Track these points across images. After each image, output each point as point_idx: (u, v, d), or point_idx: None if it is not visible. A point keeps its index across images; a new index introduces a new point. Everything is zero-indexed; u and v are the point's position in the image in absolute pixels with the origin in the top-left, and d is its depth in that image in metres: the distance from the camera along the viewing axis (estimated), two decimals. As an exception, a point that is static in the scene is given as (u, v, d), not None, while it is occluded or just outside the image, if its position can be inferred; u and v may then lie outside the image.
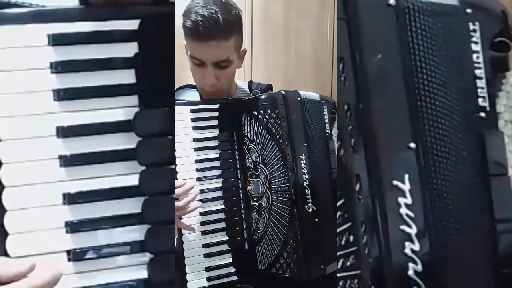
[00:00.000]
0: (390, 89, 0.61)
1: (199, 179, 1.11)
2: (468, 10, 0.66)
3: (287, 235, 1.03)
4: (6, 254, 0.59)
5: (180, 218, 1.06)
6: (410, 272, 0.57)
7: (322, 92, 1.21)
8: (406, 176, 0.59)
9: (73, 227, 0.61)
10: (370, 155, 0.61)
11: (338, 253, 0.67)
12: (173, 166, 0.65)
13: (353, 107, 0.62)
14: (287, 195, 1.04)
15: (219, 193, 1.12)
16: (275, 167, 1.06)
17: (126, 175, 0.63)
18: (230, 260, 1.10)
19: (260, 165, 1.08)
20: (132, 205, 0.63)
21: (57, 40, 0.63)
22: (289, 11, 2.48)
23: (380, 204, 0.59)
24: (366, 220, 0.61)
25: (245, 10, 2.39)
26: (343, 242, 0.66)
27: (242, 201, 1.12)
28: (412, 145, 0.60)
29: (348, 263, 0.66)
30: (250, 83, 1.39)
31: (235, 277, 1.09)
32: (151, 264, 0.63)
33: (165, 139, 0.64)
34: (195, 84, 1.28)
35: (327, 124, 1.17)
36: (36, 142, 0.62)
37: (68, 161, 0.62)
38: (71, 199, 0.62)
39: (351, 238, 0.65)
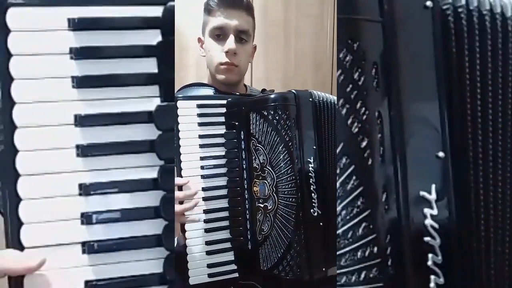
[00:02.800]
0: (424, 97, 0.60)
1: (203, 177, 1.09)
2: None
3: (292, 239, 1.01)
4: (20, 243, 0.57)
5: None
6: (432, 285, 0.57)
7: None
8: (433, 187, 0.58)
9: (88, 218, 0.59)
10: (399, 165, 0.60)
11: (360, 265, 0.65)
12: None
13: (384, 115, 0.61)
14: (293, 199, 1.02)
15: (223, 191, 1.10)
16: (283, 171, 1.03)
17: (144, 168, 0.62)
18: (232, 258, 1.09)
19: (268, 167, 1.05)
20: (149, 199, 0.61)
21: (77, 25, 0.60)
22: (289, 11, 2.47)
23: (406, 215, 0.59)
24: (391, 231, 0.60)
25: (245, 10, 2.39)
26: (366, 254, 0.64)
27: (247, 201, 1.10)
28: (441, 154, 0.59)
29: (371, 275, 0.63)
30: (263, 91, 1.39)
31: (236, 274, 1.08)
32: (167, 260, 0.61)
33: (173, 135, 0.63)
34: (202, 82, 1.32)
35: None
36: (53, 130, 0.60)
37: (85, 150, 0.60)
38: (87, 190, 0.60)
39: (375, 249, 0.63)
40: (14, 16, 0.59)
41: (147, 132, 0.61)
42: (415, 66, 0.60)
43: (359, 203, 0.63)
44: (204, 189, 1.09)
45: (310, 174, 1.03)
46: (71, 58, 0.60)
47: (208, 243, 1.07)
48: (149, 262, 0.61)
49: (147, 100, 0.62)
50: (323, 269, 1.04)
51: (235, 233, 1.09)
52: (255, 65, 2.35)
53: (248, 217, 1.09)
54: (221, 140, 1.11)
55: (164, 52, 0.62)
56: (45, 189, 0.59)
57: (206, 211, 1.08)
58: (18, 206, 0.57)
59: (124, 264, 0.60)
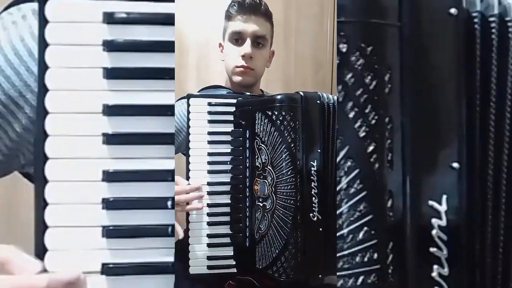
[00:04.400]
0: (440, 104, 0.60)
1: (210, 172, 1.14)
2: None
3: (287, 240, 1.04)
4: (44, 223, 0.60)
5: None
6: None
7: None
8: (444, 197, 0.58)
9: (109, 204, 0.62)
10: (408, 172, 0.59)
11: (358, 270, 0.65)
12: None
13: (395, 121, 0.60)
14: (292, 201, 1.04)
15: (227, 188, 1.15)
16: (283, 171, 1.06)
17: (164, 159, 0.64)
18: (231, 253, 1.12)
19: (268, 167, 1.08)
20: (165, 189, 0.64)
21: (111, 18, 0.63)
22: (289, 11, 2.50)
23: (412, 224, 0.59)
24: (394, 239, 0.59)
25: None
26: (365, 259, 0.64)
27: (247, 199, 1.14)
28: (456, 165, 0.58)
29: (369, 281, 0.63)
30: None
31: (234, 270, 1.12)
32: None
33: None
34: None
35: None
36: (81, 118, 0.62)
37: (110, 139, 0.63)
38: (110, 176, 0.62)
39: (375, 255, 0.63)
40: (53, 7, 0.61)
41: (167, 124, 0.64)
42: (434, 75, 0.60)
43: (361, 207, 0.63)
44: (209, 184, 1.14)
45: (312, 177, 1.05)
46: (104, 50, 0.63)
47: (209, 236, 1.12)
48: (162, 251, 0.63)
49: (169, 93, 0.65)
50: (320, 276, 1.06)
51: (234, 229, 1.13)
52: (255, 65, 2.38)
53: (247, 215, 1.13)
54: (228, 138, 1.16)
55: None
56: (70, 172, 0.61)
57: (209, 205, 1.13)
58: (44, 187, 0.60)
59: (139, 251, 0.63)
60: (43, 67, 0.61)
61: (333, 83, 2.52)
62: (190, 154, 1.13)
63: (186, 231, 1.11)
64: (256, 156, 1.12)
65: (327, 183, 1.09)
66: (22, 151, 0.74)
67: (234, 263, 1.13)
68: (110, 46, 0.63)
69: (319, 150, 1.08)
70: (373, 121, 0.61)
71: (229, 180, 1.15)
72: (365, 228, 0.64)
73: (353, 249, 0.64)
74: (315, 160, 1.07)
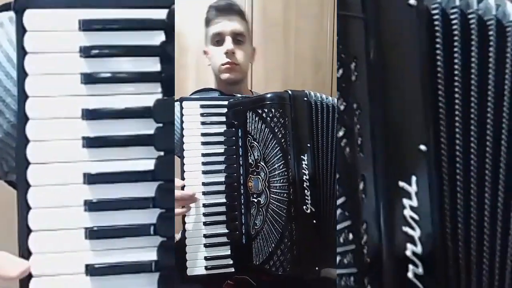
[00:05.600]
0: (406, 89, 0.61)
1: (204, 172, 1.15)
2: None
3: (282, 234, 1.05)
4: (28, 227, 0.61)
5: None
6: (410, 275, 0.58)
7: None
8: (414, 179, 0.59)
9: (91, 206, 0.64)
10: (378, 155, 0.60)
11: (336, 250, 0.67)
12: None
13: (363, 107, 0.61)
14: (285, 194, 1.06)
15: (222, 187, 1.16)
16: (275, 166, 1.07)
17: (144, 160, 0.66)
18: (229, 252, 1.13)
19: (261, 162, 1.10)
20: (147, 189, 0.65)
21: (87, 26, 0.65)
22: (289, 11, 2.51)
23: (384, 204, 0.59)
24: (368, 219, 0.61)
25: (245, 10, 2.40)
26: (341, 240, 0.66)
27: (242, 196, 1.15)
28: (423, 147, 0.59)
29: (345, 261, 0.65)
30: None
31: (232, 269, 1.13)
32: (161, 247, 0.65)
33: (173, 128, 0.67)
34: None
35: None
36: (62, 123, 0.64)
37: (90, 142, 0.64)
38: (91, 179, 0.64)
39: (350, 236, 0.64)
40: (30, 17, 0.63)
41: (146, 126, 0.66)
42: (398, 64, 0.61)
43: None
44: (204, 184, 1.16)
45: (303, 171, 1.07)
46: (81, 56, 0.65)
47: (206, 236, 1.13)
48: (144, 250, 0.65)
49: (148, 96, 0.66)
50: (316, 268, 1.07)
51: (231, 227, 1.14)
52: (255, 65, 2.39)
53: (243, 212, 1.14)
54: (221, 138, 1.18)
55: (166, 52, 0.66)
56: (52, 177, 0.63)
57: (205, 205, 1.14)
58: (27, 192, 0.62)
59: (122, 251, 0.64)
60: (22, 74, 0.63)
61: (333, 83, 2.53)
62: (184, 156, 1.15)
63: (183, 232, 1.12)
64: (249, 154, 1.14)
65: (318, 176, 1.10)
66: (4, 158, 0.76)
67: (231, 262, 1.14)
68: (87, 52, 0.65)
69: (308, 145, 1.10)
70: (342, 107, 0.63)
71: (223, 180, 1.17)
72: (339, 210, 0.65)
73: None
74: (306, 154, 1.08)
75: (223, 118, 1.18)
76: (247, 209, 1.14)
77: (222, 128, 1.18)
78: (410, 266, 0.58)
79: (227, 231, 1.14)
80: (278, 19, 2.50)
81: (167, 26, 0.67)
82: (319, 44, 2.52)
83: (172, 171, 0.67)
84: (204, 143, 1.17)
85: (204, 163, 1.16)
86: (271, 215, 1.07)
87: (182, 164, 1.14)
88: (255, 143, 1.11)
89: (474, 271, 0.60)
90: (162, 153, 0.66)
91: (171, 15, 0.67)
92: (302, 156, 1.08)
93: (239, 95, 1.27)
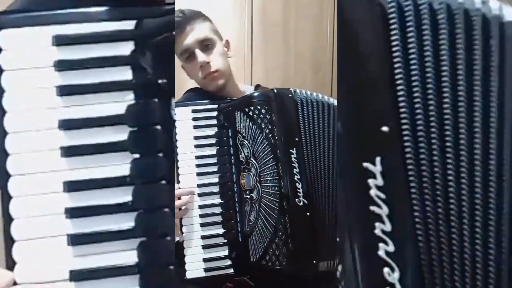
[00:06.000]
0: (366, 73, 0.62)
1: (199, 174, 1.18)
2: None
3: (276, 227, 1.06)
4: (11, 238, 0.64)
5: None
6: (381, 253, 0.58)
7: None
8: (378, 159, 0.59)
9: (72, 212, 0.66)
10: (345, 133, 0.62)
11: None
12: (161, 155, 0.69)
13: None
14: (276, 188, 1.08)
15: (217, 188, 1.19)
16: (265, 161, 1.10)
17: (120, 165, 0.68)
18: (227, 253, 1.15)
19: (251, 159, 1.12)
20: (126, 193, 0.67)
21: (60, 41, 0.68)
22: (289, 12, 2.51)
23: (351, 185, 0.61)
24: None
25: (244, 10, 2.43)
26: None
27: (236, 194, 1.17)
28: (385, 129, 0.60)
29: None
30: (257, 87, 1.50)
31: (231, 270, 1.14)
32: (141, 248, 0.67)
33: (153, 129, 0.69)
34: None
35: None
36: (40, 134, 0.67)
37: (68, 151, 0.67)
38: (70, 187, 0.66)
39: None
40: (5, 37, 0.67)
41: (122, 132, 0.68)
42: (360, 54, 0.62)
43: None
44: (199, 186, 1.18)
45: (293, 164, 1.09)
46: (55, 70, 0.67)
47: (203, 237, 1.15)
48: (126, 253, 0.67)
49: (121, 104, 0.68)
50: (314, 262, 1.07)
51: (227, 226, 1.16)
52: (255, 65, 2.41)
53: (237, 210, 1.16)
54: (214, 140, 1.21)
55: (137, 60, 0.69)
56: (33, 187, 0.66)
57: (201, 206, 1.17)
58: (9, 203, 0.64)
59: (104, 255, 0.66)
60: (0, 91, 0.66)
61: (333, 83, 2.53)
62: (178, 159, 1.18)
63: (181, 234, 1.15)
64: (240, 152, 1.16)
65: (309, 169, 1.12)
66: None
67: (230, 263, 1.15)
68: (61, 66, 0.67)
69: (297, 139, 1.12)
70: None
71: (217, 181, 1.19)
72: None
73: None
74: (294, 149, 1.10)
75: (214, 121, 1.22)
76: (241, 207, 1.16)
77: (213, 130, 1.21)
78: (380, 244, 0.58)
79: (223, 231, 1.16)
80: (278, 19, 2.50)
81: (137, 36, 0.69)
82: (319, 44, 2.53)
83: (151, 172, 0.69)
84: (197, 146, 1.20)
85: (198, 165, 1.19)
86: (264, 209, 1.08)
87: (177, 168, 1.17)
88: (244, 141, 1.14)
89: (445, 244, 0.61)
90: (137, 156, 0.68)
91: (140, 25, 0.69)
92: (291, 150, 1.09)
93: (229, 99, 1.30)
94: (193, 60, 1.31)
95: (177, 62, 1.32)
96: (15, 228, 0.64)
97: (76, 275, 0.65)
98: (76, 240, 0.66)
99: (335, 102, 1.19)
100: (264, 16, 2.48)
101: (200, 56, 1.28)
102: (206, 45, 1.31)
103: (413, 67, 0.61)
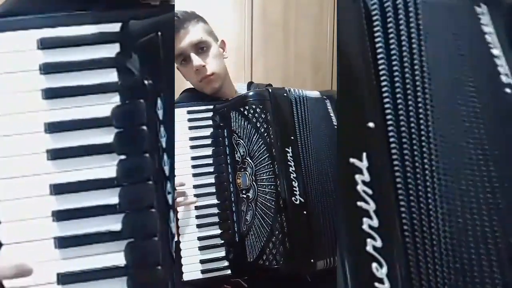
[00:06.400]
0: (353, 72, 0.63)
1: (195, 175, 1.18)
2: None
3: (273, 226, 1.06)
4: (-1, 242, 0.64)
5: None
6: (369, 248, 0.58)
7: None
8: (364, 155, 0.60)
9: (59, 215, 0.66)
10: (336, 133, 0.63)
11: None
12: (147, 155, 0.68)
13: None
14: (272, 187, 1.08)
15: (213, 189, 1.18)
16: (260, 159, 1.10)
17: (107, 167, 0.68)
18: (224, 254, 1.14)
19: (247, 158, 1.12)
20: (112, 194, 0.67)
21: (45, 44, 0.68)
22: (289, 12, 2.51)
23: (338, 180, 0.61)
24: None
25: (245, 10, 2.43)
26: None
27: (232, 194, 1.17)
28: (371, 124, 0.60)
29: None
30: (250, 84, 1.48)
31: (229, 271, 1.14)
32: (128, 249, 0.67)
33: (140, 130, 0.69)
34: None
35: (333, 119, 1.20)
36: (26, 138, 0.66)
37: (54, 154, 0.67)
38: (57, 189, 0.66)
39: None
40: (-10, 41, 0.66)
41: (108, 133, 0.68)
42: (348, 53, 0.63)
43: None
44: (195, 186, 1.18)
45: (289, 163, 1.09)
46: (41, 73, 0.67)
47: (200, 238, 1.14)
48: (113, 255, 0.66)
49: (107, 105, 0.68)
50: (311, 260, 1.07)
51: (223, 226, 1.16)
52: (255, 65, 2.41)
53: (234, 210, 1.16)
54: (209, 141, 1.21)
55: (123, 62, 0.69)
56: (20, 191, 0.65)
57: (197, 207, 1.16)
58: (-5, 207, 0.64)
59: (91, 257, 0.66)
60: (-14, 95, 0.66)
61: (333, 83, 2.53)
62: (175, 160, 1.17)
63: (177, 235, 1.14)
64: (235, 151, 1.16)
65: (305, 167, 1.12)
66: None
67: (227, 264, 1.14)
68: (47, 69, 0.68)
69: (292, 138, 1.12)
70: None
71: (214, 181, 1.19)
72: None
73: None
74: (290, 147, 1.10)
75: (210, 122, 1.22)
76: (238, 207, 1.15)
77: (209, 131, 1.21)
78: (368, 240, 0.58)
79: (220, 231, 1.15)
80: (278, 19, 2.51)
81: (122, 38, 0.69)
82: (319, 44, 2.53)
83: (138, 173, 0.68)
84: (193, 147, 1.19)
85: (194, 166, 1.18)
86: (260, 208, 1.08)
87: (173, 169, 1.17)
88: (240, 140, 1.14)
89: (431, 238, 0.61)
90: (124, 157, 0.68)
91: (125, 28, 0.69)
92: (286, 149, 1.09)
93: (223, 99, 1.31)
94: (188, 63, 1.30)
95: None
96: (2, 232, 0.64)
97: (64, 278, 0.65)
98: (63, 243, 0.66)
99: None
100: (264, 16, 2.48)
101: (195, 60, 1.27)
102: (201, 47, 1.30)
103: (394, 62, 0.62)
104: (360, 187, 0.59)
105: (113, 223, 0.67)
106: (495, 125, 0.63)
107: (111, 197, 0.67)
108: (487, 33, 0.67)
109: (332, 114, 1.21)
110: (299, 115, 1.15)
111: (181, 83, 2.11)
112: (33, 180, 0.66)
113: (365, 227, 0.58)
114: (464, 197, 0.61)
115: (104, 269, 0.66)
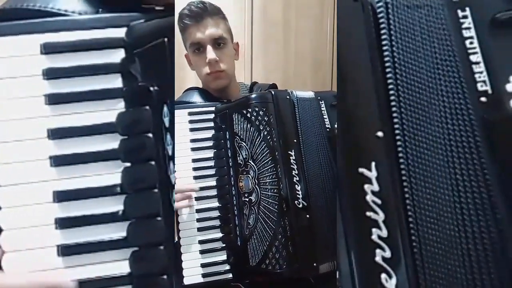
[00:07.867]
0: (359, 80, 0.62)
1: (196, 178, 1.18)
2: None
3: (276, 230, 1.05)
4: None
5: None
6: (378, 259, 0.58)
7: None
8: (373, 164, 0.59)
9: (62, 223, 0.65)
10: (340, 139, 0.62)
11: None
12: (153, 163, 0.67)
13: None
14: (275, 190, 1.07)
15: (214, 191, 1.18)
16: (263, 163, 1.09)
17: (110, 174, 0.67)
18: (225, 257, 1.14)
19: (250, 161, 1.11)
20: (116, 202, 0.66)
21: (49, 49, 0.67)
22: (289, 11, 2.51)
23: (348, 191, 0.60)
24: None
25: (245, 10, 2.43)
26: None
27: (234, 197, 1.16)
28: (380, 134, 0.60)
29: None
30: (253, 85, 1.48)
31: (230, 275, 1.13)
32: (132, 258, 0.66)
33: (145, 137, 0.67)
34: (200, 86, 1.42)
35: (326, 120, 1.19)
36: (29, 144, 0.65)
37: (57, 161, 0.66)
38: (60, 196, 0.65)
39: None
40: (-8, 45, 0.65)
41: (112, 140, 0.67)
42: (351, 54, 0.63)
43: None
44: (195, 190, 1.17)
45: (292, 166, 1.08)
46: (44, 78, 0.66)
47: (201, 242, 1.14)
48: (117, 263, 0.65)
49: (112, 112, 0.67)
50: (315, 264, 1.06)
51: (225, 230, 1.15)
52: (255, 65, 2.40)
53: (236, 213, 1.15)
54: (211, 143, 1.21)
55: (127, 68, 0.68)
56: (23, 198, 0.64)
57: (198, 210, 1.16)
58: (-2, 215, 0.63)
59: (95, 265, 0.65)
60: (-12, 101, 0.65)
61: (333, 83, 2.53)
62: (175, 163, 1.16)
63: (178, 238, 1.13)
64: (238, 154, 1.15)
65: (308, 171, 1.11)
66: None
67: (228, 267, 1.14)
68: (50, 74, 0.66)
69: (295, 141, 1.11)
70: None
71: (215, 184, 1.18)
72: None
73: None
74: (293, 150, 1.10)
75: (211, 123, 1.21)
76: (240, 210, 1.15)
77: (210, 133, 1.21)
78: (377, 250, 0.58)
79: (222, 235, 1.15)
80: (278, 19, 2.50)
81: (127, 44, 0.68)
82: (319, 44, 2.52)
83: (143, 181, 0.67)
84: (194, 149, 1.19)
85: (195, 169, 1.18)
86: (263, 212, 1.08)
87: (174, 172, 1.16)
88: (242, 143, 1.13)
89: (440, 249, 0.60)
90: (129, 164, 0.67)
91: (130, 32, 0.68)
92: (289, 152, 1.09)
93: (225, 101, 1.30)
94: (202, 53, 1.32)
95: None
96: (4, 239, 0.63)
97: (67, 287, 0.64)
98: (66, 251, 0.65)
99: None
100: (264, 16, 2.48)
101: (211, 53, 1.29)
102: (218, 43, 1.32)
103: (397, 70, 0.62)
104: (369, 197, 0.59)
105: (118, 231, 0.66)
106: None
107: (115, 204, 0.66)
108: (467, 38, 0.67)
109: (325, 116, 1.19)
110: (300, 117, 1.14)
111: (181, 83, 2.12)
112: (36, 187, 0.65)
113: (374, 237, 0.58)
114: (473, 204, 0.61)
115: (108, 278, 0.65)
